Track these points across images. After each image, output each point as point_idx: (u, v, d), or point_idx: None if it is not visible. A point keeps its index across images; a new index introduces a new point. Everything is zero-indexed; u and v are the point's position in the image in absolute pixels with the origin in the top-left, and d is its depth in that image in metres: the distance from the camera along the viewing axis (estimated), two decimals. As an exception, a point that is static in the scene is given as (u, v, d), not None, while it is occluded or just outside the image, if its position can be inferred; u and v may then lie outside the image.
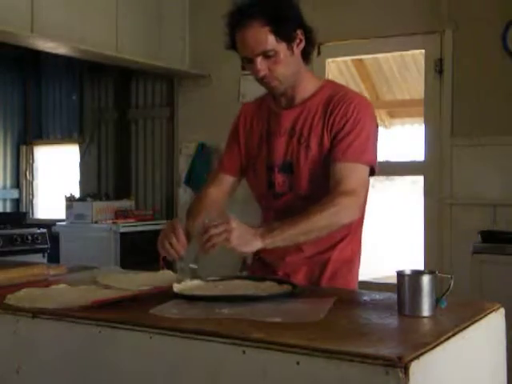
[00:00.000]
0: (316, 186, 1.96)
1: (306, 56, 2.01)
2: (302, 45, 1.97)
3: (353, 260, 2.06)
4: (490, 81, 4.06)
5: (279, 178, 2.01)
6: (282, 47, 1.91)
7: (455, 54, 4.15)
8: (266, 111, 2.10)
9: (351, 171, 1.91)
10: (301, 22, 1.96)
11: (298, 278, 1.99)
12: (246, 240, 1.75)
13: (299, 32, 1.94)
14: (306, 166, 1.97)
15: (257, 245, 1.77)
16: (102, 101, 5.91)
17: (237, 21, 1.92)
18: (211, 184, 2.19)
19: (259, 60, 1.91)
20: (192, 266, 1.83)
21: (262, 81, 1.97)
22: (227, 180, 2.17)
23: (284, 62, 1.92)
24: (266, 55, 1.90)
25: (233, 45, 1.96)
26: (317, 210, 1.84)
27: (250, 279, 1.83)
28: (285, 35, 1.91)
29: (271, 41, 1.89)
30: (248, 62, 1.95)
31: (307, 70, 2.06)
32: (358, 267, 2.09)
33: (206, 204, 2.11)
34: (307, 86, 2.03)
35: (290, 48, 1.93)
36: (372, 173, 1.98)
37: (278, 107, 2.07)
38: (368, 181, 2.00)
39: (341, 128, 1.93)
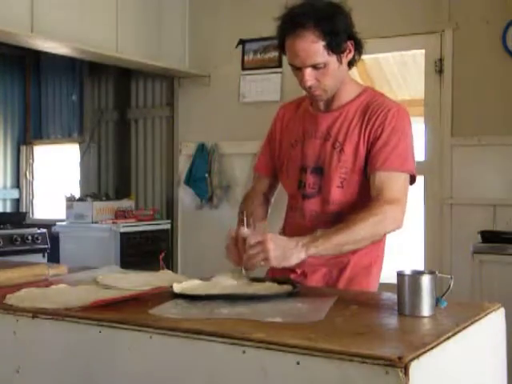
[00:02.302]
0: (344, 193, 1.95)
1: (351, 63, 1.99)
2: (351, 55, 1.95)
3: (372, 267, 2.03)
4: (490, 81, 4.06)
5: (310, 179, 2.01)
6: (332, 59, 1.89)
7: (455, 53, 4.15)
8: (303, 112, 2.09)
9: (393, 180, 1.89)
10: (351, 32, 1.93)
11: (315, 278, 1.99)
12: (287, 256, 1.71)
13: (349, 43, 1.92)
14: (337, 170, 1.95)
15: (299, 257, 1.74)
16: (101, 101, 5.91)
17: (289, 28, 1.88)
18: (252, 184, 2.23)
19: (308, 71, 1.89)
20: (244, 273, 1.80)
21: (307, 89, 1.95)
22: (262, 180, 2.20)
23: (332, 73, 1.91)
24: (315, 67, 1.89)
25: (281, 48, 1.94)
26: (361, 217, 1.81)
27: (250, 279, 1.82)
28: (337, 48, 1.88)
29: (323, 54, 1.87)
30: (296, 69, 1.92)
31: (348, 76, 2.04)
32: (377, 275, 2.05)
33: (249, 205, 2.13)
34: (347, 92, 2.01)
35: (339, 59, 1.91)
36: (412, 181, 1.96)
37: (315, 110, 2.06)
38: (409, 189, 1.96)
39: (378, 136, 1.91)
